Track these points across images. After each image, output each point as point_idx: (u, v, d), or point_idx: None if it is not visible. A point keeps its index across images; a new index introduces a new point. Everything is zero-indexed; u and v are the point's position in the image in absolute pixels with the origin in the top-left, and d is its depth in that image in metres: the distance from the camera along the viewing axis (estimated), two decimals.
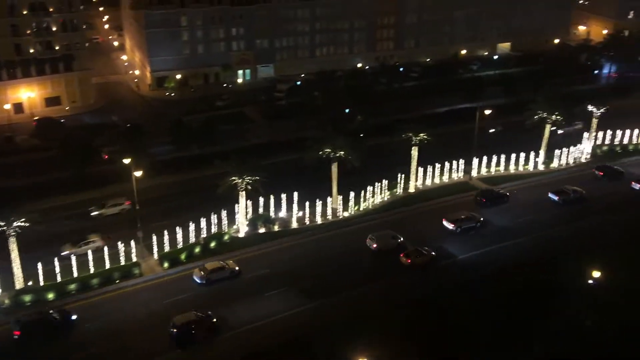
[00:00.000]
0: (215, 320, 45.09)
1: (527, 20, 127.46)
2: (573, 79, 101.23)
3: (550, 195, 65.81)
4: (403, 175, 66.83)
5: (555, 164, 73.59)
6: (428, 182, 68.89)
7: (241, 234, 58.76)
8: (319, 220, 61.13)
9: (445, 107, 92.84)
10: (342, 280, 51.21)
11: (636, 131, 79.03)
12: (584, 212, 63.11)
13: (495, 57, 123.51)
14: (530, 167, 72.91)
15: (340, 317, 45.87)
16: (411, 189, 67.57)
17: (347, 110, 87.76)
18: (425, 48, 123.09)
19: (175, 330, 43.47)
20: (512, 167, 72.42)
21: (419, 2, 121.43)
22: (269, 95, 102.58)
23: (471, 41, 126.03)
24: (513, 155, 72.24)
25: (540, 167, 73.18)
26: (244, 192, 57.28)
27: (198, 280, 51.03)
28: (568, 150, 74.18)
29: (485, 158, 71.25)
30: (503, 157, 72.05)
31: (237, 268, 52.25)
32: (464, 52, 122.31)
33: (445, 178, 69.70)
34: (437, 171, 69.15)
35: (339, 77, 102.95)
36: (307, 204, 60.69)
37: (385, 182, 65.69)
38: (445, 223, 59.53)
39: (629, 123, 79.93)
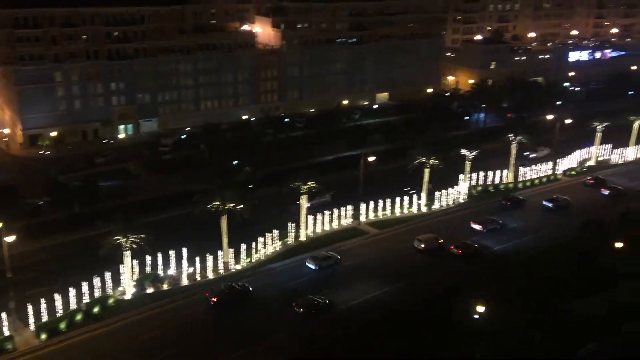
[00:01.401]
0: None
1: (402, 72, 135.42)
2: (447, 125, 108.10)
3: (473, 225, 71.54)
4: (294, 224, 67.24)
5: (436, 205, 77.41)
6: (318, 229, 69.71)
7: (127, 296, 55.66)
8: (210, 275, 59.49)
9: (331, 156, 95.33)
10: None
11: (505, 171, 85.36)
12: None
13: (375, 106, 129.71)
14: (414, 209, 76.14)
15: None
16: (302, 237, 67.90)
17: (235, 162, 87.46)
18: (308, 99, 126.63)
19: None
20: (397, 211, 75.22)
21: (299, 56, 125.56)
22: (154, 149, 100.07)
23: (352, 92, 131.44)
24: (397, 199, 75.20)
25: (424, 209, 76.62)
26: (129, 252, 54.62)
27: None
28: (447, 192, 78.43)
29: (372, 203, 73.56)
30: (389, 201, 74.78)
31: None
32: (345, 102, 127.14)
33: (335, 224, 70.95)
34: (327, 218, 70.30)
35: (225, 130, 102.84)
36: (197, 259, 58.98)
37: (276, 232, 65.61)
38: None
39: (498, 164, 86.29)
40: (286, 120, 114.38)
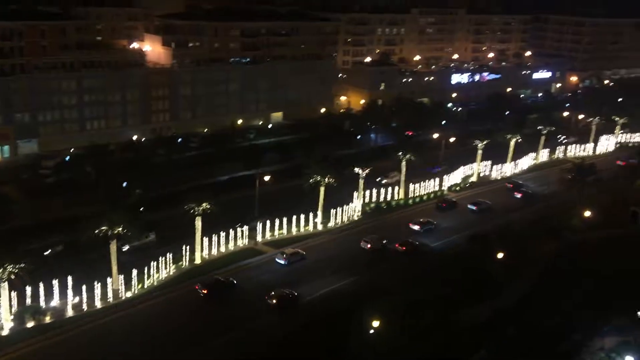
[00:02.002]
0: None
1: (295, 92, 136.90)
2: (339, 144, 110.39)
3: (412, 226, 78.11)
4: (188, 247, 65.23)
5: (332, 222, 78.34)
6: (214, 251, 68.10)
7: (5, 332, 51.09)
8: (98, 304, 56.08)
9: (226, 176, 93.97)
10: None
11: (396, 188, 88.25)
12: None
13: (270, 126, 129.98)
14: (310, 228, 76.57)
15: None
16: (197, 260, 65.99)
17: (124, 184, 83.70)
18: (202, 118, 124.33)
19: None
20: (294, 229, 75.26)
21: (191, 75, 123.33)
22: (33, 172, 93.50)
23: (246, 111, 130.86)
24: (294, 218, 75.30)
25: (320, 227, 77.25)
26: (6, 284, 50.27)
27: None
28: (342, 209, 79.70)
29: (268, 222, 73.09)
30: (285, 220, 74.68)
31: None
32: (240, 121, 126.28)
33: (231, 246, 69.68)
34: (223, 239, 68.90)
35: (113, 151, 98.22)
36: (84, 288, 55.43)
37: (170, 255, 63.29)
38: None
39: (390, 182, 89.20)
40: (179, 140, 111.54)
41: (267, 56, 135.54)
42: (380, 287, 61.02)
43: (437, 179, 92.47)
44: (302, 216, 76.01)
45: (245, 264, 66.33)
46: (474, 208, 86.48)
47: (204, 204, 64.76)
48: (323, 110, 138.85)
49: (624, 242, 74.64)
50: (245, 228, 70.89)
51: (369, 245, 71.40)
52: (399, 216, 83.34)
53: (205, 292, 58.81)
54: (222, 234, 68.70)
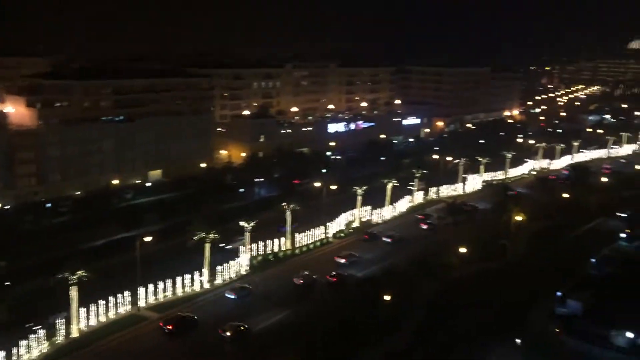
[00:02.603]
0: None
1: (173, 148, 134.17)
2: (222, 198, 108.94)
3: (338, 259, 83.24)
4: (63, 320, 60.20)
5: (219, 280, 76.22)
6: (93, 322, 63.40)
7: None
8: None
9: (103, 240, 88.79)
10: None
11: (282, 239, 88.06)
12: None
13: (148, 184, 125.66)
14: (197, 287, 73.92)
15: None
16: (74, 334, 60.99)
17: None
18: (74, 180, 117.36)
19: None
20: (179, 290, 72.23)
21: (60, 136, 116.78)
22: None
23: (122, 171, 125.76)
24: (179, 278, 72.37)
25: (207, 285, 74.81)
26: None
27: None
28: (229, 265, 77.94)
29: (151, 285, 69.61)
30: (169, 281, 71.55)
31: None
32: (116, 181, 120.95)
33: (112, 314, 65.33)
34: (102, 308, 64.45)
35: None
36: None
37: (42, 331, 57.96)
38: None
39: (274, 233, 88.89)
40: (48, 205, 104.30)
41: (142, 113, 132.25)
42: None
43: (322, 227, 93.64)
44: (188, 276, 73.31)
45: (125, 333, 62.40)
46: (389, 240, 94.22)
47: (78, 272, 60.41)
48: (203, 165, 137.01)
49: (497, 273, 79.51)
50: (127, 293, 66.93)
51: (300, 281, 75.80)
52: (287, 267, 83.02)
53: (170, 327, 62.47)
54: (101, 302, 64.32)
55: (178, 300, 70.72)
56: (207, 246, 74.90)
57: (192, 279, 73.70)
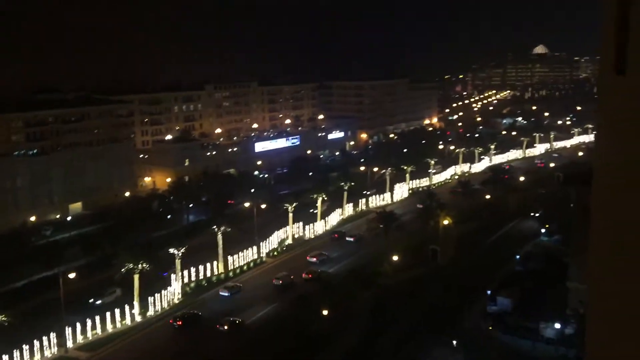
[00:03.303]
0: None
1: (94, 178, 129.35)
2: (149, 227, 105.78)
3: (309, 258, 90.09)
4: None
5: (151, 311, 73.68)
6: None
7: None
8: None
9: (22, 281, 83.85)
10: None
11: (215, 262, 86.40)
12: None
13: (69, 218, 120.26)
14: (128, 321, 71.10)
15: None
16: None
17: None
18: None
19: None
20: (109, 326, 69.22)
21: None
22: None
23: (39, 206, 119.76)
24: (107, 314, 69.39)
25: (138, 318, 72.12)
26: None
27: None
28: (160, 295, 75.54)
29: (78, 324, 66.36)
30: (98, 318, 68.47)
31: None
32: (32, 218, 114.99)
33: (37, 358, 61.67)
34: (27, 353, 60.73)
35: None
36: None
37: None
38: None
39: (208, 257, 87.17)
40: None
41: (58, 145, 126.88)
42: None
43: (255, 247, 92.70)
44: (117, 310, 70.40)
45: None
46: (352, 240, 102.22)
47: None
48: (127, 194, 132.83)
49: (429, 277, 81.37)
50: (53, 335, 63.44)
51: (280, 282, 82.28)
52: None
53: (180, 323, 69.98)
54: (25, 347, 60.60)
55: (110, 336, 67.76)
56: (136, 277, 72.33)
57: (123, 313, 70.87)
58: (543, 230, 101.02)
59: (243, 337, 67.84)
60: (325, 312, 68.27)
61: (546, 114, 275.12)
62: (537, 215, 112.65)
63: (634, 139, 3.76)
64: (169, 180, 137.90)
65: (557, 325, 63.50)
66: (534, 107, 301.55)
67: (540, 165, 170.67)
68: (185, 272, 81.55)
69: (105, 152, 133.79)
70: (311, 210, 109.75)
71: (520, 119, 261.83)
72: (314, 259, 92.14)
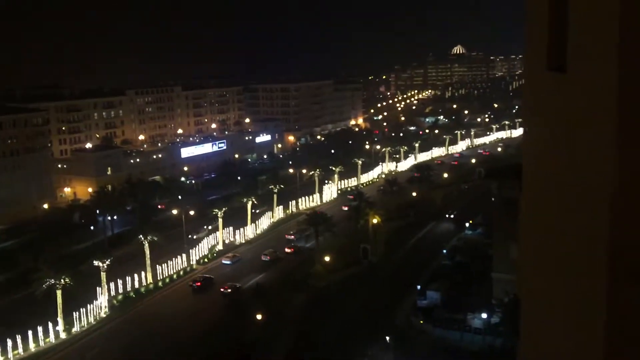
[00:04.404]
0: None
1: (7, 191, 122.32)
2: (71, 239, 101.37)
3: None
4: None
5: (76, 327, 70.55)
6: None
7: None
8: None
9: None
10: None
11: (143, 273, 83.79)
12: None
13: None
14: (52, 339, 67.75)
15: None
16: None
17: None
18: None
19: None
20: (32, 346, 65.66)
21: None
22: None
23: None
24: (29, 332, 65.81)
25: (63, 335, 68.85)
26: None
27: None
28: (86, 309, 72.47)
29: None
30: (19, 337, 64.80)
31: None
32: None
33: None
34: None
35: None
36: None
37: None
38: None
39: (134, 268, 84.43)
40: None
41: None
42: None
43: (184, 255, 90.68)
44: (40, 328, 66.89)
45: None
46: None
47: None
48: (46, 206, 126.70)
49: (361, 276, 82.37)
50: None
51: (268, 257, 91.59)
52: (153, 301, 79.30)
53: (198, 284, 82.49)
54: None
55: (32, 356, 64.28)
56: (59, 293, 69.01)
57: (46, 331, 67.45)
58: (467, 225, 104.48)
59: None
60: (258, 317, 67.63)
61: (466, 111, 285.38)
62: (450, 217, 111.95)
63: (561, 135, 3.80)
64: (90, 190, 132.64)
65: (484, 315, 65.81)
66: (455, 106, 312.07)
67: (485, 153, 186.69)
68: (112, 285, 78.67)
69: (21, 163, 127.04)
70: (242, 215, 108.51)
71: (442, 117, 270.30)
72: (292, 237, 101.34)
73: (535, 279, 4.21)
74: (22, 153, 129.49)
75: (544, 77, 3.78)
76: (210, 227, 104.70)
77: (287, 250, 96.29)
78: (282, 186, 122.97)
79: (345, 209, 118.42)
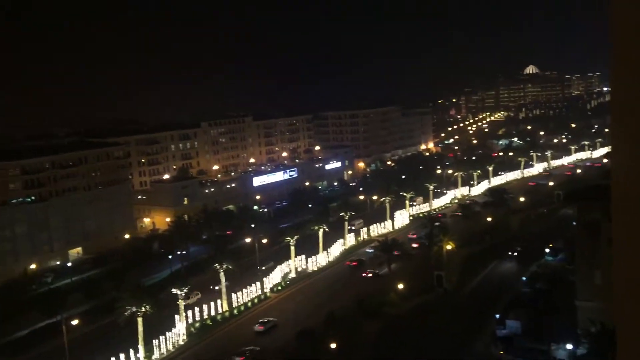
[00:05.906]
0: None
1: (93, 222, 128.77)
2: (151, 268, 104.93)
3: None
4: None
5: (156, 354, 72.41)
6: None
7: None
8: None
9: (25, 330, 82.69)
10: None
11: (219, 301, 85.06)
12: None
13: (69, 264, 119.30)
14: None
15: None
16: None
17: None
18: None
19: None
20: None
21: None
22: None
23: (39, 253, 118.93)
24: (112, 359, 68.08)
25: None
26: None
27: None
28: (165, 337, 74.32)
29: None
30: None
31: None
32: (33, 266, 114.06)
33: None
34: None
35: None
36: None
37: None
38: None
39: (209, 296, 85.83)
40: None
41: (56, 191, 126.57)
42: None
43: (259, 283, 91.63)
44: (122, 355, 69.14)
45: None
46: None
47: None
48: (127, 236, 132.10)
49: (435, 304, 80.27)
50: None
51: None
52: (228, 328, 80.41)
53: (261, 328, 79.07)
54: None
55: None
56: (140, 320, 71.27)
57: (127, 358, 69.62)
58: (547, 250, 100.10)
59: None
60: (332, 345, 67.07)
61: (541, 132, 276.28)
62: (513, 254, 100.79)
63: None
64: (168, 220, 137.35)
65: (569, 346, 62.41)
66: (529, 127, 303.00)
67: (568, 173, 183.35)
68: (190, 312, 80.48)
69: (104, 195, 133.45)
70: (314, 242, 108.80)
71: (516, 139, 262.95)
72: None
73: (635, 306, 3.90)
74: (106, 186, 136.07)
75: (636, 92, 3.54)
76: (273, 263, 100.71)
77: (348, 263, 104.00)
78: (353, 213, 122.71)
79: (414, 236, 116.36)
